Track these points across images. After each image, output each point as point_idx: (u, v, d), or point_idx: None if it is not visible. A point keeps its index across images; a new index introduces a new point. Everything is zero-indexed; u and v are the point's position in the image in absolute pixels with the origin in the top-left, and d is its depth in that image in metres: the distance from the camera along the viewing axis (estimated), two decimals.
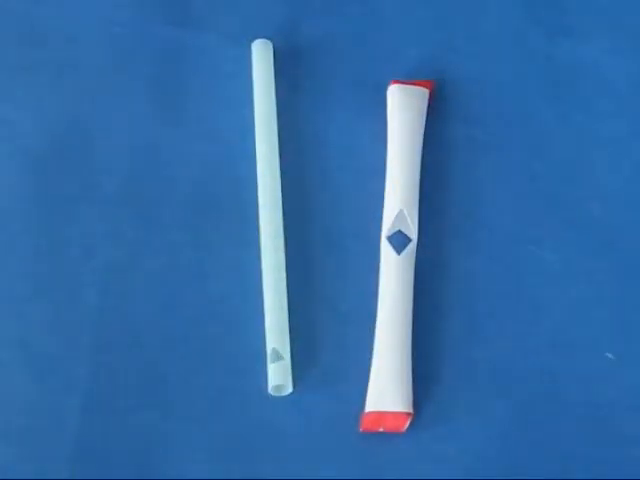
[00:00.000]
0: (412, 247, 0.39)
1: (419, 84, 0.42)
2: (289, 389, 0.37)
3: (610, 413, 0.37)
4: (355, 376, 0.37)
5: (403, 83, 0.42)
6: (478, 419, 0.37)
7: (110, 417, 0.37)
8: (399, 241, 0.39)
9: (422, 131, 0.41)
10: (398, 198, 0.39)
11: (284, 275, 0.39)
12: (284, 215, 0.40)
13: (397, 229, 0.39)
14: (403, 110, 0.41)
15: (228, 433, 0.37)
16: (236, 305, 0.39)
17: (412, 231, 0.39)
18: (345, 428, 0.37)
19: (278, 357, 0.37)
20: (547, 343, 0.38)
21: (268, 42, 0.43)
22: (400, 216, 0.39)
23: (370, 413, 0.37)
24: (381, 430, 0.36)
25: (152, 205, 0.41)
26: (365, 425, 0.37)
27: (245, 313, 0.39)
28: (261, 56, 0.43)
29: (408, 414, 0.36)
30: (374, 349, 0.37)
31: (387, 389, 0.37)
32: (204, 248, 0.40)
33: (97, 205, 0.41)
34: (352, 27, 0.44)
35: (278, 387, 0.37)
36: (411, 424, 0.36)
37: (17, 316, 0.39)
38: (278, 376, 0.37)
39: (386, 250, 0.39)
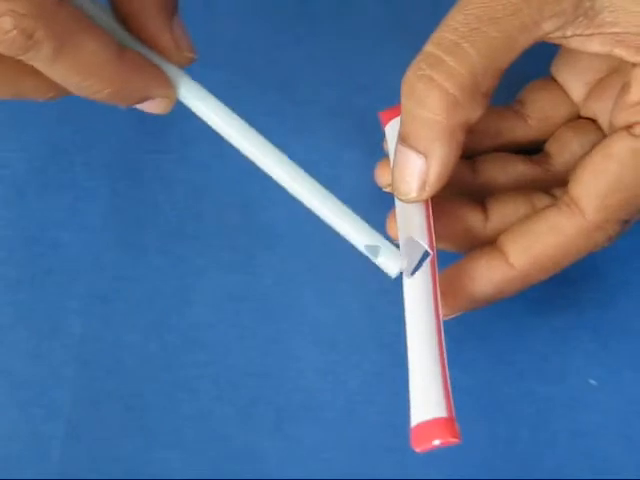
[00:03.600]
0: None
1: None
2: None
3: (595, 440, 0.37)
4: None
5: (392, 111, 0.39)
6: (459, 445, 0.37)
7: (93, 444, 0.37)
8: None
9: None
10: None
11: None
12: None
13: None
14: None
15: (212, 460, 0.37)
16: (221, 331, 0.39)
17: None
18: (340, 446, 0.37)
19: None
20: (530, 368, 0.38)
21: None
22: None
23: (419, 425, 0.32)
24: (437, 443, 0.32)
25: (135, 231, 0.41)
26: (417, 441, 0.32)
27: (229, 339, 0.39)
28: None
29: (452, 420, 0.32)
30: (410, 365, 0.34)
31: (429, 395, 0.33)
32: (189, 274, 0.40)
33: (80, 232, 0.41)
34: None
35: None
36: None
37: None
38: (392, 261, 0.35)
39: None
